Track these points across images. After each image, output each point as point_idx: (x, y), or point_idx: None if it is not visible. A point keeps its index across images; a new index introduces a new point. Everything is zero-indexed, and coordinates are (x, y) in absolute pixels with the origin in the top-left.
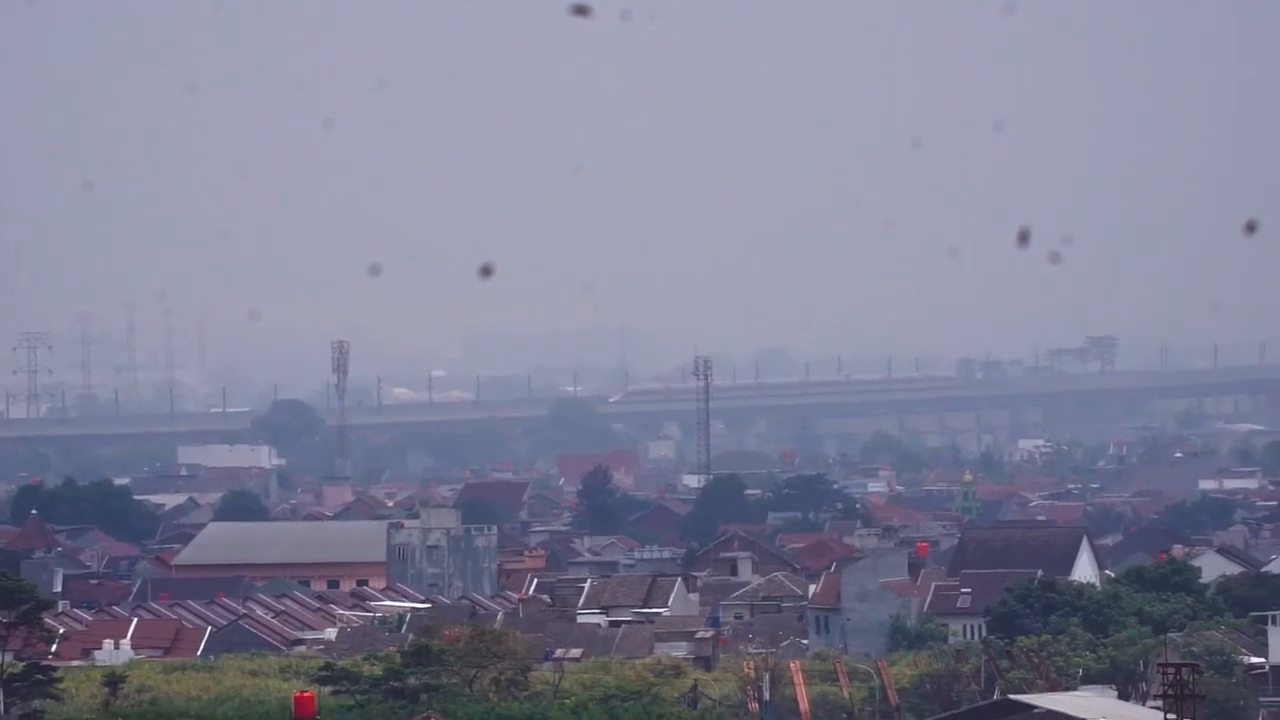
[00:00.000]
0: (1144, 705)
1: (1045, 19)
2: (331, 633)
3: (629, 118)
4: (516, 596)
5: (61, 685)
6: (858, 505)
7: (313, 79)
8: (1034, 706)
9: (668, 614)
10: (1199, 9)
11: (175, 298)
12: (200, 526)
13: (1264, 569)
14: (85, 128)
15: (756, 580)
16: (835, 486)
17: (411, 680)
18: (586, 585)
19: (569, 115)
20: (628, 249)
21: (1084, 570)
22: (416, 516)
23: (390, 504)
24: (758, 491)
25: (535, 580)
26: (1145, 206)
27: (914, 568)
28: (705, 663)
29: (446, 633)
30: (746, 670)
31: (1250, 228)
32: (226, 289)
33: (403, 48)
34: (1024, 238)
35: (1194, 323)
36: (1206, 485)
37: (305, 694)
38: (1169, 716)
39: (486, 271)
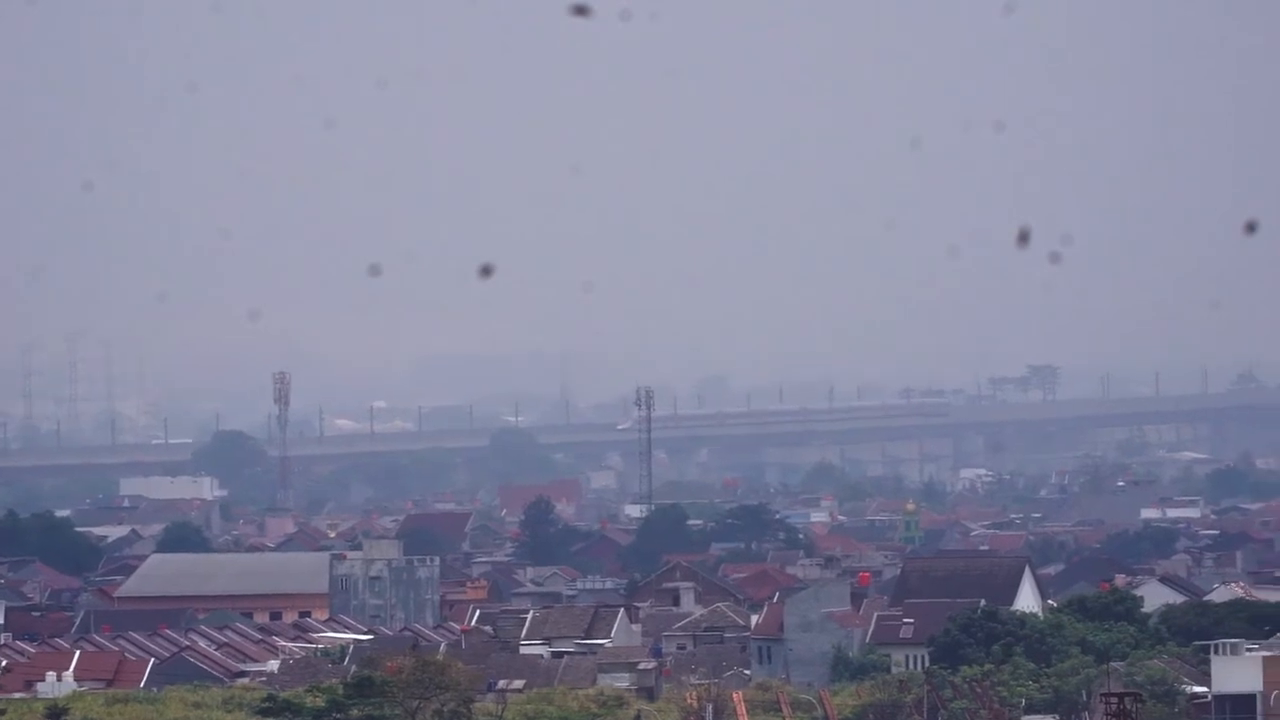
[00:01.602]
0: None
1: (1045, 19)
2: (274, 664)
3: (629, 118)
4: (459, 627)
5: (4, 717)
6: (800, 535)
7: (313, 79)
8: None
9: (610, 645)
10: (1199, 9)
11: (128, 322)
12: (142, 558)
13: (1206, 598)
14: (85, 128)
15: (699, 611)
16: (777, 516)
17: (354, 712)
18: (529, 616)
19: (569, 115)
20: (571, 278)
21: (1026, 600)
22: (359, 548)
23: (332, 535)
24: (700, 521)
25: (478, 611)
26: (1141, 215)
27: (856, 598)
28: (648, 693)
29: (389, 664)
30: (689, 701)
31: (1250, 228)
32: (166, 317)
33: (403, 48)
34: (1024, 238)
35: (1135, 351)
36: (1149, 514)
37: None
38: None
39: (486, 271)
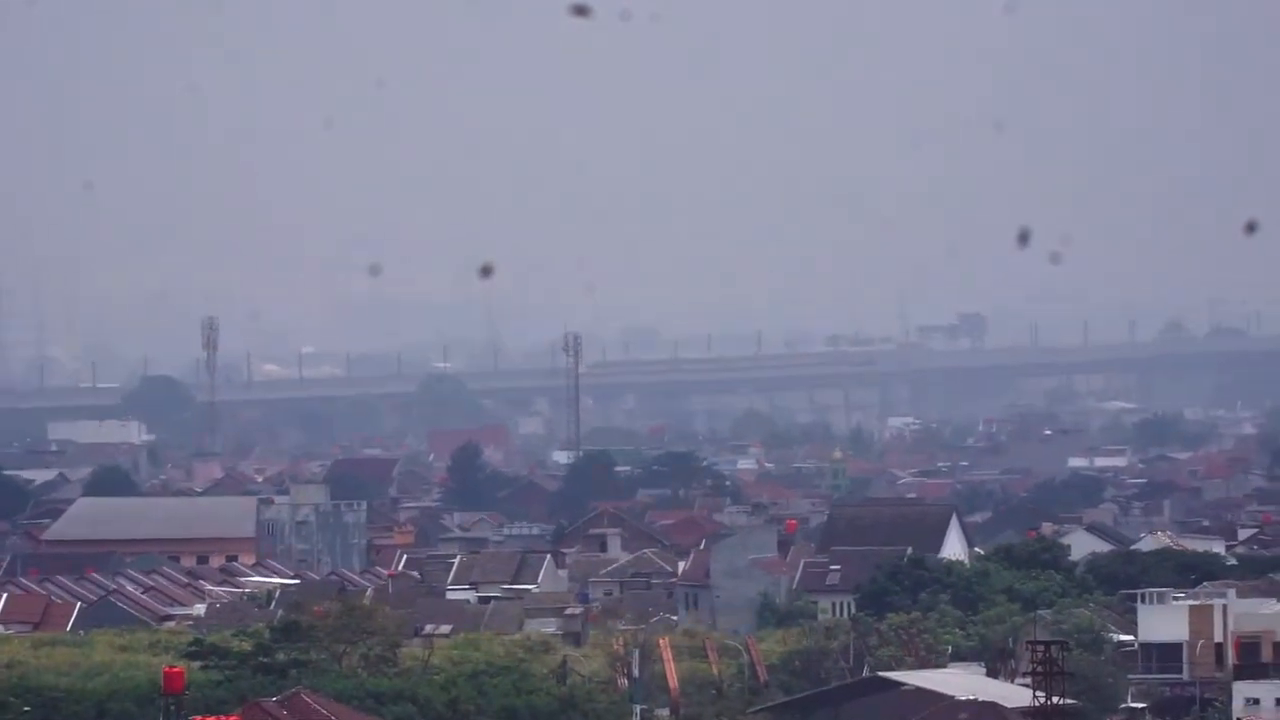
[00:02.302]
0: (1013, 683)
1: (1045, 19)
2: (201, 608)
3: (629, 118)
4: (386, 572)
5: None
6: (727, 482)
7: (313, 79)
8: (902, 684)
9: (537, 590)
10: (1199, 9)
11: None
12: (70, 502)
13: (1133, 546)
14: (85, 128)
15: (626, 557)
16: (705, 463)
17: (280, 656)
18: (456, 561)
19: (569, 115)
20: (517, 227)
21: (953, 548)
22: (286, 492)
23: (260, 480)
24: (627, 468)
25: (404, 556)
26: (1142, 205)
27: (783, 545)
28: (575, 639)
29: (316, 608)
30: (615, 646)
31: (1250, 228)
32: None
33: (403, 48)
34: (1024, 238)
35: (1063, 300)
36: (1076, 463)
37: (175, 669)
38: (1037, 694)
39: (487, 271)
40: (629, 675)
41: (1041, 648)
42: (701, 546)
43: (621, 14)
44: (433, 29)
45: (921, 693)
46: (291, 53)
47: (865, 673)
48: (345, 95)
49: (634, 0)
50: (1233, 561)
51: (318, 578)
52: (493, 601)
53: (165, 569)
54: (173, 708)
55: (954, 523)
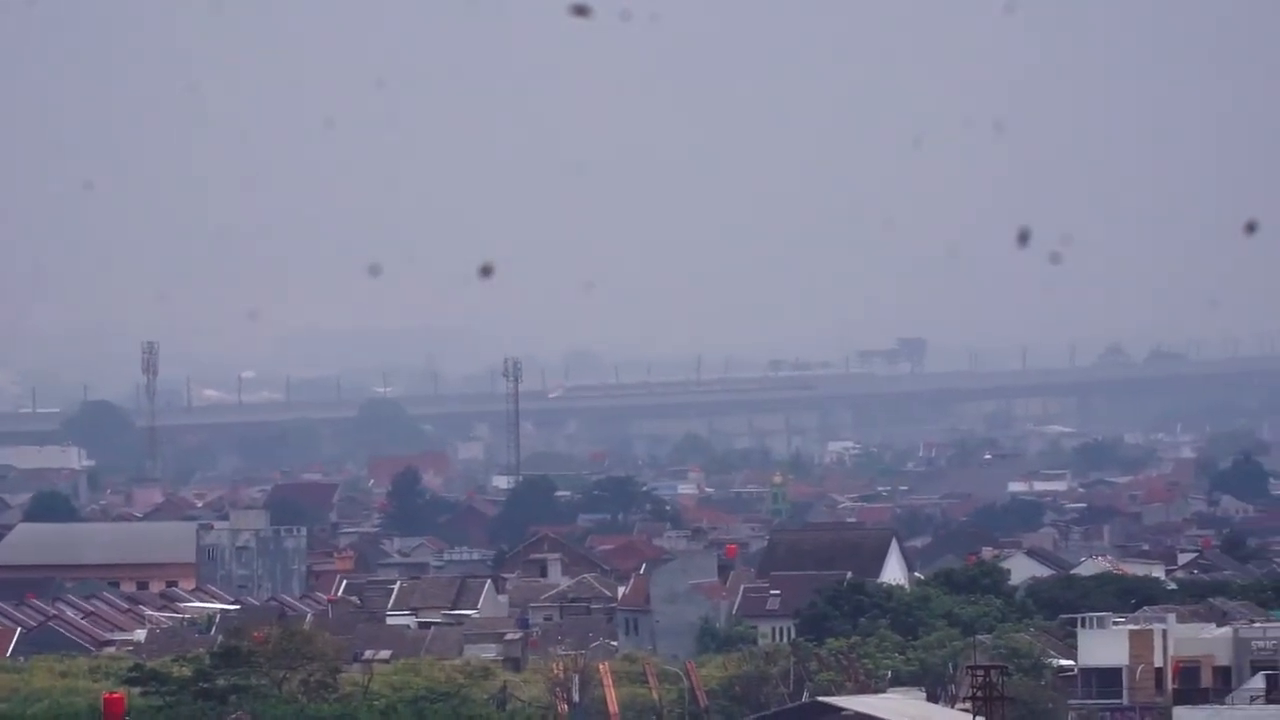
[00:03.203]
0: (952, 708)
1: (1045, 19)
2: (141, 634)
3: (629, 118)
4: (325, 598)
5: None
6: (667, 507)
7: (313, 79)
8: (842, 709)
9: (477, 615)
10: (1199, 9)
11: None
12: (9, 527)
13: (1073, 571)
14: (85, 128)
15: (566, 582)
16: (645, 488)
17: (221, 681)
18: (396, 587)
19: (569, 115)
20: (444, 249)
21: (893, 572)
22: (226, 518)
23: (199, 505)
24: (567, 493)
25: (344, 582)
26: (1142, 207)
27: (723, 569)
28: (514, 664)
29: (255, 634)
30: (555, 672)
31: (1250, 228)
32: (38, 285)
33: (403, 48)
34: (1024, 238)
35: (1003, 325)
36: (1015, 487)
37: (115, 695)
38: (977, 719)
39: (486, 271)
40: (569, 701)
41: (981, 672)
42: (641, 571)
43: (621, 14)
44: (433, 29)
45: (861, 718)
46: (291, 53)
47: (805, 698)
48: (345, 95)
49: (634, 0)
50: (1172, 586)
51: (257, 603)
52: (432, 627)
53: (105, 594)
54: None
55: (894, 547)
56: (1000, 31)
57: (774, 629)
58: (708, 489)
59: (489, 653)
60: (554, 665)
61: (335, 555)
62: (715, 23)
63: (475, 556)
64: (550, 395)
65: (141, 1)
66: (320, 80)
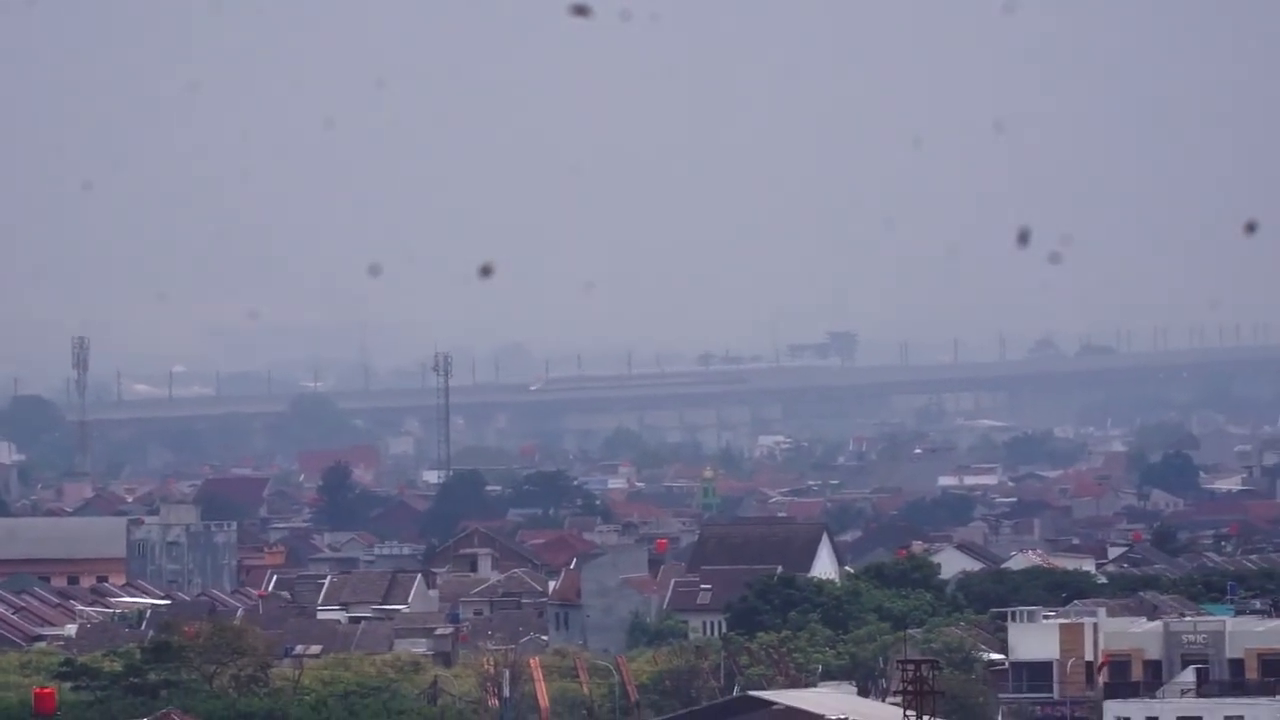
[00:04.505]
0: (883, 701)
1: (1045, 19)
2: (72, 629)
3: (629, 118)
4: (256, 593)
5: None
6: (598, 501)
7: (313, 79)
8: (773, 703)
9: (407, 610)
10: (1199, 9)
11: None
12: None
13: (1003, 565)
14: (85, 128)
15: (496, 576)
16: (575, 482)
17: (152, 676)
18: (326, 582)
19: (569, 115)
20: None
21: (824, 566)
22: (156, 512)
23: (130, 500)
24: (498, 488)
25: (275, 576)
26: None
27: (654, 564)
28: (445, 659)
29: (186, 629)
30: (486, 666)
31: (1250, 228)
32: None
33: (403, 48)
34: (1024, 238)
35: (934, 319)
36: (946, 481)
37: (46, 690)
38: (908, 713)
39: (486, 271)
40: (500, 695)
41: (912, 666)
42: (572, 566)
43: (621, 14)
44: (433, 29)
45: (792, 712)
46: (291, 53)
47: (736, 692)
48: (345, 95)
49: (634, 0)
50: (1103, 580)
51: (188, 598)
52: (363, 622)
53: (35, 589)
54: None
55: (824, 541)
56: (1000, 31)
57: (705, 623)
58: (638, 483)
59: (419, 647)
60: (485, 660)
61: (266, 550)
62: (715, 23)
63: (406, 551)
64: (532, 388)
65: (141, 1)
66: (320, 80)
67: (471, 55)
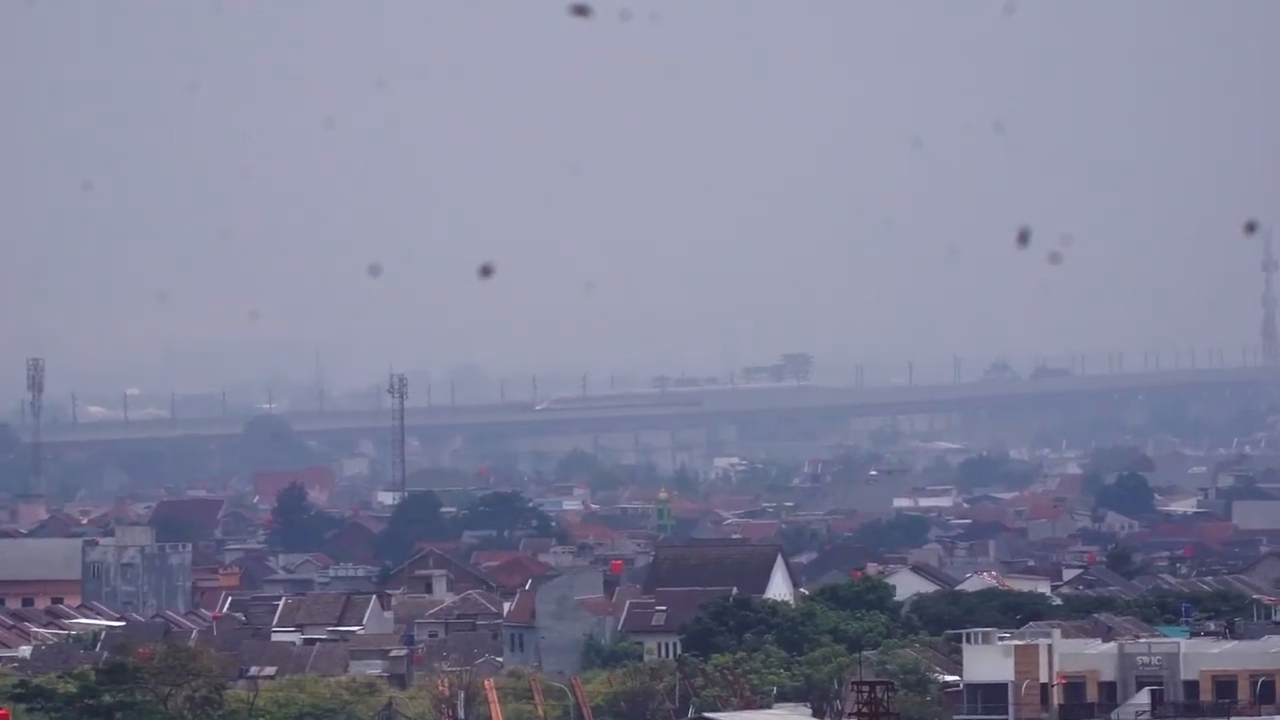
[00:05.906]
0: None
1: (1045, 19)
2: (26, 650)
3: (629, 118)
4: (211, 614)
5: None
6: (553, 523)
7: (313, 79)
8: None
9: (362, 632)
10: (1199, 9)
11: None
12: None
13: (958, 587)
14: (85, 128)
15: (451, 598)
16: (530, 504)
17: (106, 698)
18: (281, 603)
19: (569, 115)
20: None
21: (778, 588)
22: (111, 534)
23: (85, 521)
24: (453, 509)
25: (230, 598)
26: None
27: (609, 585)
28: (400, 681)
29: (141, 650)
30: (441, 688)
31: (1250, 228)
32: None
33: (402, 48)
34: (1024, 238)
35: (888, 340)
36: (901, 503)
37: (1, 711)
38: None
39: (486, 271)
40: (455, 717)
41: (867, 688)
42: (527, 587)
43: (621, 14)
44: (433, 29)
45: None
46: (291, 53)
47: (691, 714)
48: (345, 95)
49: (634, 0)
50: (1058, 601)
51: (143, 620)
52: (318, 643)
53: None
54: None
55: (779, 563)
56: (1000, 31)
57: (659, 645)
58: (593, 505)
59: (374, 669)
60: (439, 682)
61: (220, 571)
62: (716, 23)
63: (360, 573)
64: (537, 408)
65: (141, 1)
66: (320, 80)
67: (471, 55)
